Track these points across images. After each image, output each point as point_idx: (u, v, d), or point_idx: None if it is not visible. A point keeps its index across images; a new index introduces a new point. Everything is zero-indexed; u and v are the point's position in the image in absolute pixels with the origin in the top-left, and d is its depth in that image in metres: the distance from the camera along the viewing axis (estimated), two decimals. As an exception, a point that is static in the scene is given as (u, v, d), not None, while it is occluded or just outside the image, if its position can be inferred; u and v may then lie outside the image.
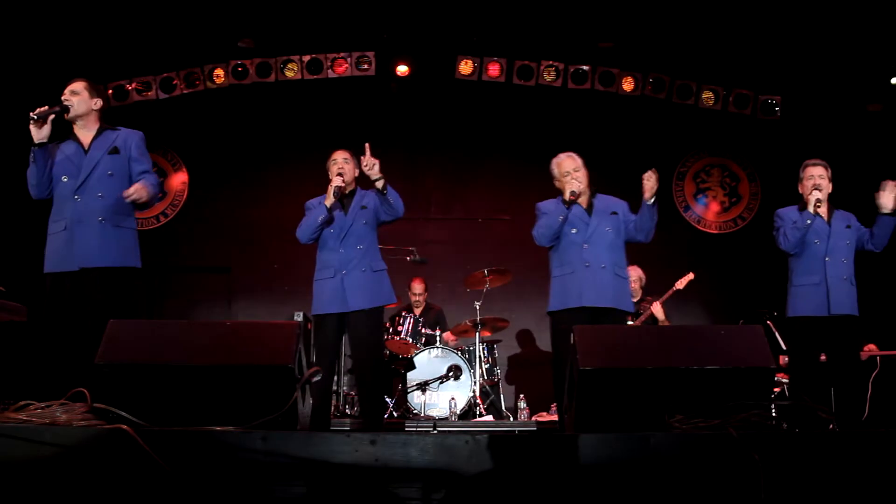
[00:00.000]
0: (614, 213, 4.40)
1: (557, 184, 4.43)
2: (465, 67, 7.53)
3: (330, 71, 7.49)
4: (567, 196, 4.28)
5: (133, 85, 7.50)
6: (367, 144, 4.26)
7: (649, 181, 4.24)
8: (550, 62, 7.55)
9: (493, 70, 7.53)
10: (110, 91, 7.33)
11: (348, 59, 7.48)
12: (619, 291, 4.30)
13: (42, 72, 6.83)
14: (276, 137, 7.99)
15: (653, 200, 4.25)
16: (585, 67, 7.58)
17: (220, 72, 7.54)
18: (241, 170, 8.00)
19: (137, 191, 3.76)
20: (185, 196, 8.05)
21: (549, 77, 7.52)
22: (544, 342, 7.88)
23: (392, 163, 7.82)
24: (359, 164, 4.53)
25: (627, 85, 7.64)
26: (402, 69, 7.69)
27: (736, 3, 6.65)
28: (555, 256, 4.41)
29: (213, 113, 7.85)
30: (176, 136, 7.90)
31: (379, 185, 4.29)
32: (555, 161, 4.47)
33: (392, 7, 7.02)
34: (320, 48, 7.48)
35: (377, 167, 4.26)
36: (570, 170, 4.37)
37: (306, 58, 7.48)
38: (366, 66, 7.50)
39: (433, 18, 7.16)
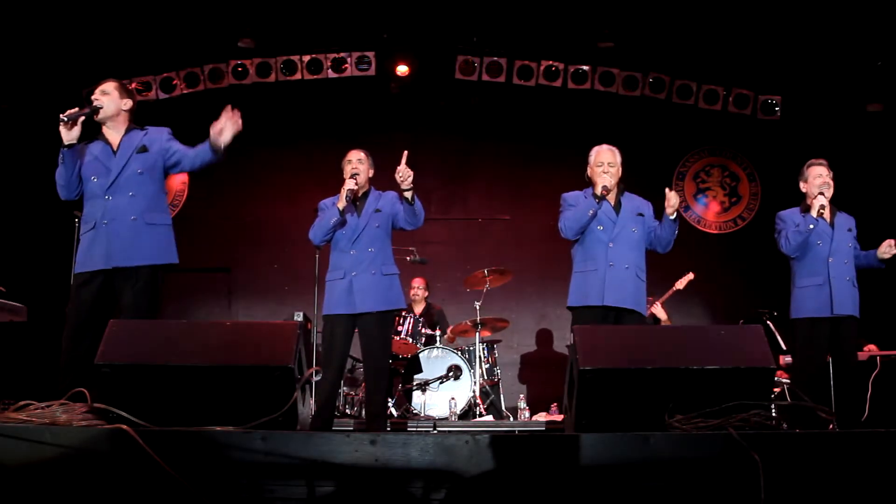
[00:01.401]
0: (640, 213, 4.40)
1: (589, 171, 4.41)
2: (465, 67, 7.52)
3: (330, 71, 7.49)
4: (598, 190, 4.26)
5: (133, 85, 7.49)
6: (405, 153, 4.24)
7: (673, 196, 4.23)
8: (550, 62, 7.55)
9: (493, 70, 7.53)
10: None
11: (348, 59, 7.48)
12: (638, 294, 4.33)
13: (43, 72, 6.84)
14: (276, 137, 7.99)
15: (675, 216, 4.27)
16: (585, 67, 7.59)
17: (220, 72, 7.53)
18: (241, 170, 8.00)
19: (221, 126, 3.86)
20: (185, 196, 8.05)
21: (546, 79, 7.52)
22: (545, 341, 7.89)
23: (392, 163, 7.89)
24: (373, 165, 4.54)
25: (627, 85, 7.64)
26: (402, 69, 7.70)
27: (736, 3, 6.66)
28: (579, 251, 4.40)
29: (213, 113, 7.83)
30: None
31: (408, 195, 4.29)
32: (595, 149, 4.44)
33: (392, 7, 7.02)
34: (320, 48, 7.48)
35: (410, 179, 4.25)
36: (605, 162, 4.35)
37: (306, 58, 7.48)
38: (366, 67, 7.50)
39: (433, 18, 7.16)
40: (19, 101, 6.76)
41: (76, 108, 3.69)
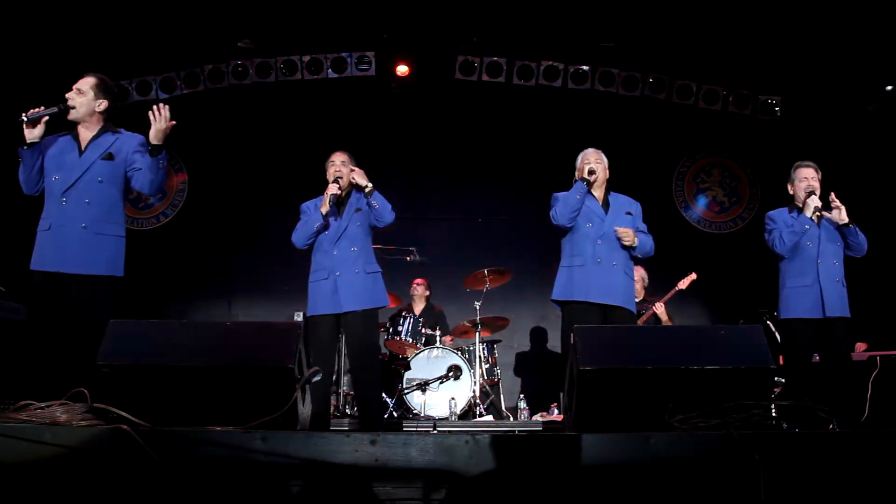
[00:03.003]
0: (629, 213, 4.46)
1: (577, 175, 4.48)
2: (465, 67, 7.53)
3: (330, 71, 7.49)
4: (585, 173, 4.35)
5: (133, 85, 7.50)
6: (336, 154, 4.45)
7: (625, 235, 4.34)
8: (550, 62, 7.55)
9: (493, 70, 7.52)
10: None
11: (348, 59, 7.48)
12: (626, 290, 4.37)
13: (42, 71, 6.84)
14: (275, 137, 7.99)
15: (634, 244, 4.36)
16: (585, 67, 7.59)
17: (220, 72, 7.54)
18: (241, 170, 8.00)
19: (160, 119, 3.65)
20: (185, 196, 8.05)
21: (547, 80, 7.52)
22: (545, 342, 7.89)
23: (392, 163, 7.91)
24: (356, 166, 4.56)
25: (627, 85, 7.64)
26: (402, 69, 7.70)
27: (736, 3, 6.65)
28: (567, 246, 4.46)
29: (213, 113, 7.86)
30: (176, 136, 7.88)
31: (367, 191, 4.39)
32: (581, 153, 4.55)
33: (392, 7, 7.02)
34: (320, 48, 7.49)
35: (357, 178, 4.39)
36: (592, 159, 4.46)
37: (306, 58, 7.48)
38: (366, 67, 7.50)
39: (433, 18, 7.16)
40: (19, 100, 6.76)
41: (41, 108, 3.61)
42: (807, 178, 4.60)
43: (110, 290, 3.71)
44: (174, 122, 3.70)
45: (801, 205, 4.61)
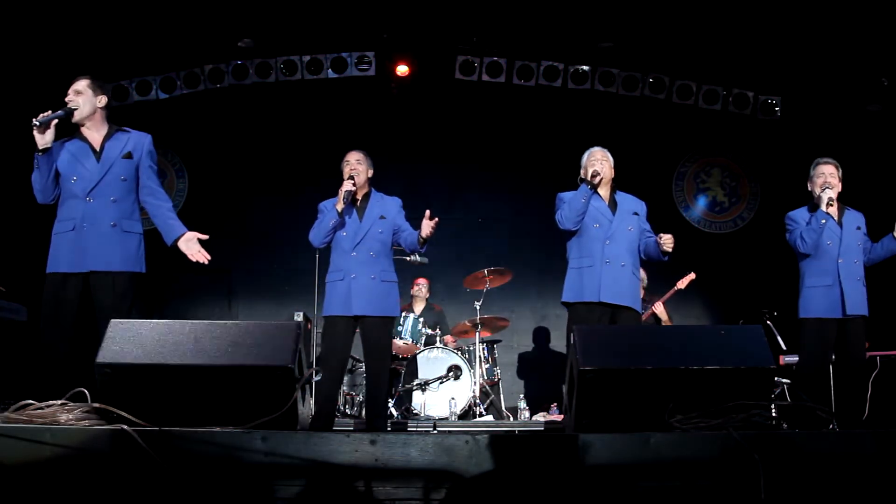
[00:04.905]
0: (636, 213, 4.44)
1: (582, 173, 4.47)
2: (465, 67, 7.53)
3: (330, 71, 7.50)
4: (589, 175, 4.32)
5: (133, 85, 7.50)
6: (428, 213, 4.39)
7: (668, 243, 4.31)
8: (550, 62, 7.55)
9: (493, 70, 7.52)
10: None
11: (348, 59, 7.48)
12: (634, 291, 4.38)
13: (42, 72, 6.84)
14: (276, 138, 8.00)
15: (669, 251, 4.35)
16: (585, 67, 7.59)
17: (220, 72, 7.54)
18: (241, 170, 8.00)
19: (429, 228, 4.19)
20: (185, 196, 8.06)
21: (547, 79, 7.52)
22: (545, 341, 7.89)
23: (392, 163, 7.91)
24: (372, 165, 4.54)
25: (627, 85, 7.64)
26: (402, 69, 7.70)
27: (736, 3, 6.66)
28: (574, 247, 4.44)
29: (213, 113, 7.86)
30: (176, 137, 7.91)
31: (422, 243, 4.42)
32: (587, 152, 4.52)
33: (392, 7, 7.02)
34: (320, 48, 7.49)
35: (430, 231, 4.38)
36: (597, 158, 4.44)
37: (306, 58, 7.48)
38: (366, 67, 7.50)
39: (433, 18, 7.16)
40: (18, 101, 6.76)
41: (48, 112, 3.63)
42: (824, 173, 4.57)
43: (139, 286, 3.84)
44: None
45: (819, 202, 4.58)
